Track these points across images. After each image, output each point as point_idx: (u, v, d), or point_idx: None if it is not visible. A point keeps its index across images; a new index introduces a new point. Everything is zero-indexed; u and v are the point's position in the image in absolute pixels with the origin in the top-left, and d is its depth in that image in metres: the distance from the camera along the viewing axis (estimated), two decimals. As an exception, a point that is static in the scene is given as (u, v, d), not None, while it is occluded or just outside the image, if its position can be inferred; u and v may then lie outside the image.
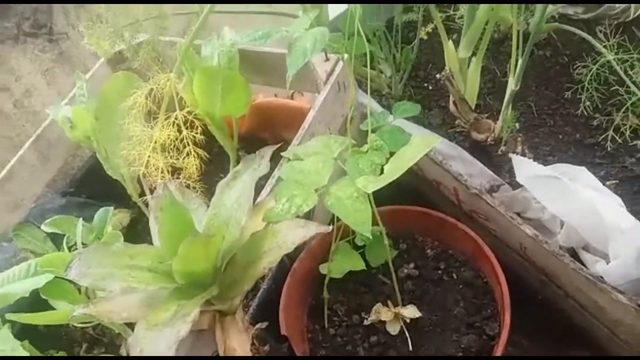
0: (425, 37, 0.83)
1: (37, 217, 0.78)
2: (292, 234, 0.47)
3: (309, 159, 0.55)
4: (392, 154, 0.55)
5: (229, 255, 0.50)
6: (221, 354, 0.51)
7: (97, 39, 0.64)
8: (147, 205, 0.75)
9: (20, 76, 0.89)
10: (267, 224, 0.50)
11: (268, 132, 0.88)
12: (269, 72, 0.75)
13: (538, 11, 0.67)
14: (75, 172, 0.85)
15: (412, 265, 0.66)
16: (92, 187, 0.83)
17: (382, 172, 0.52)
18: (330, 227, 0.49)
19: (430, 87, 0.87)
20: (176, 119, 0.61)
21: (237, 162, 0.68)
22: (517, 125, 0.77)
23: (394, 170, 0.50)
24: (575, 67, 0.78)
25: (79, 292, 0.65)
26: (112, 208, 0.72)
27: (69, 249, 0.70)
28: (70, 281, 0.61)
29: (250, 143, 0.86)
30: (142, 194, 0.78)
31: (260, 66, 0.75)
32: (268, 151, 0.54)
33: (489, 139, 0.74)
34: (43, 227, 0.70)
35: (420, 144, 0.50)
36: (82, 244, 0.65)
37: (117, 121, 0.72)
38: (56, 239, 0.76)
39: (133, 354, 0.42)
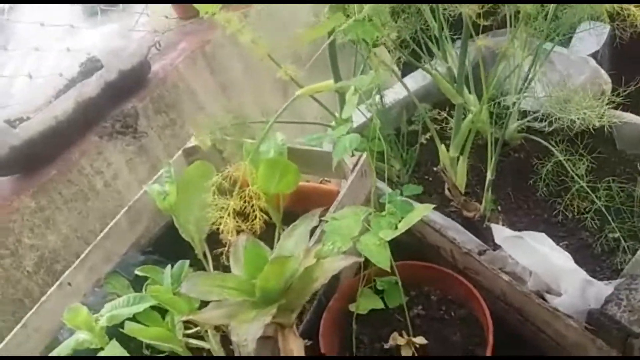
0: (425, 142, 1.10)
1: (123, 269, 1.00)
2: (335, 263, 0.70)
3: (343, 219, 0.79)
4: (402, 219, 0.78)
5: (290, 281, 0.72)
6: (282, 354, 0.71)
7: (202, 135, 0.89)
8: (206, 260, 0.98)
9: (111, 163, 1.15)
10: (317, 260, 0.72)
11: (302, 209, 1.12)
12: (305, 163, 1.00)
13: (510, 124, 0.93)
14: (152, 236, 1.07)
15: (420, 307, 0.87)
16: (165, 247, 1.05)
17: (396, 228, 0.75)
18: (362, 258, 0.71)
19: (430, 179, 1.12)
20: (246, 194, 0.85)
21: (281, 229, 0.93)
22: (498, 207, 1.01)
23: (404, 226, 0.73)
24: (540, 165, 1.03)
25: (163, 319, 0.85)
26: (187, 262, 0.95)
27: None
28: (160, 310, 0.83)
29: (287, 216, 1.09)
30: (204, 254, 1.00)
31: (298, 159, 1.01)
32: (317, 212, 0.78)
33: (476, 216, 0.97)
34: (137, 271, 0.92)
35: (421, 209, 0.74)
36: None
37: (194, 196, 0.97)
38: (135, 287, 0.97)
39: (234, 336, 0.63)
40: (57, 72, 1.18)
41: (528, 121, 1.08)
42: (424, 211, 0.75)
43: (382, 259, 0.71)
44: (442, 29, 0.95)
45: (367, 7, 0.70)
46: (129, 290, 0.97)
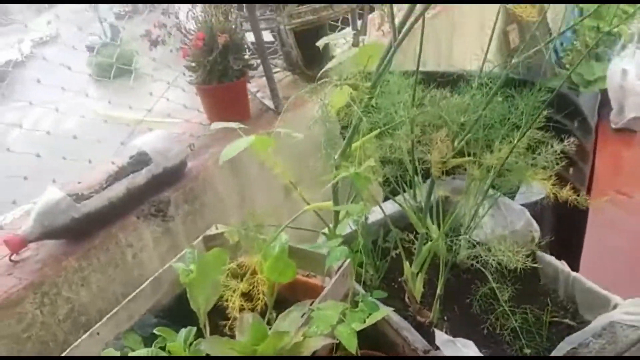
0: (394, 256, 1.38)
1: (139, 328, 1.23)
2: (317, 342, 0.95)
3: (326, 310, 1.05)
4: (369, 315, 1.05)
5: (283, 351, 0.96)
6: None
7: (232, 232, 1.17)
8: (205, 329, 1.21)
9: (141, 239, 1.41)
10: (305, 337, 0.97)
11: (291, 296, 1.37)
12: (301, 260, 1.28)
13: (461, 251, 1.23)
14: (165, 303, 1.30)
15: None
16: (174, 314, 1.28)
17: (364, 322, 1.02)
18: (334, 341, 0.97)
19: (395, 285, 1.40)
20: (255, 280, 1.11)
21: (272, 311, 1.18)
22: (445, 317, 1.28)
23: (370, 321, 1.00)
24: (478, 287, 1.31)
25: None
26: (195, 329, 1.18)
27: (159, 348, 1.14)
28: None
29: (278, 300, 1.34)
30: (204, 324, 1.24)
31: (295, 255, 1.28)
32: (307, 302, 1.04)
33: (426, 322, 1.24)
34: (155, 330, 1.15)
35: (383, 311, 1.01)
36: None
37: (209, 276, 1.23)
38: (147, 343, 1.20)
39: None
40: (110, 160, 1.47)
41: (475, 251, 1.38)
42: (384, 313, 1.02)
43: (351, 344, 0.97)
44: (416, 174, 1.27)
45: (366, 163, 1.01)
46: (141, 346, 1.20)
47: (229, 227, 1.36)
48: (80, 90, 1.57)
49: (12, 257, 1.25)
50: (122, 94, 1.78)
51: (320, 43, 1.18)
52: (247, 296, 1.14)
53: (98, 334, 1.14)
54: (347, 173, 1.04)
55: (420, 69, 1.17)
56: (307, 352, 0.95)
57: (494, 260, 1.20)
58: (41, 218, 1.23)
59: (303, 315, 1.03)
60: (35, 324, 1.19)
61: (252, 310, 1.12)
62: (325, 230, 1.28)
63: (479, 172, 1.15)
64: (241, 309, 1.14)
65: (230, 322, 1.12)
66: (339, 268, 1.22)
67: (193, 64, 1.73)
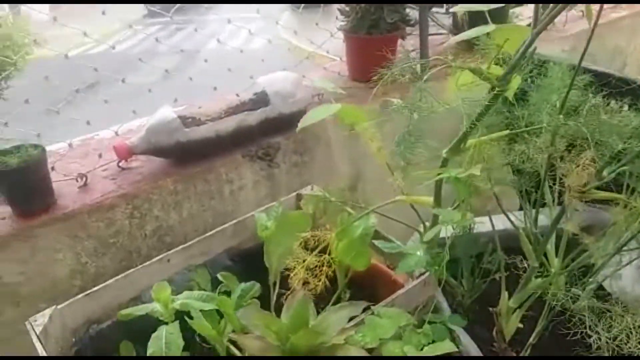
0: (497, 279, 1.18)
1: (211, 266, 1.22)
2: (355, 355, 0.83)
3: (384, 318, 0.92)
4: (434, 340, 0.90)
5: (317, 348, 0.87)
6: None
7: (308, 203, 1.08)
8: (274, 288, 1.16)
9: (242, 178, 1.38)
10: (345, 342, 0.86)
11: (367, 282, 1.26)
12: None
13: (581, 300, 1.00)
14: (244, 249, 1.27)
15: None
16: (249, 263, 1.25)
17: (421, 349, 0.87)
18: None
19: (489, 310, 1.20)
20: (324, 259, 1.02)
21: (341, 292, 1.08)
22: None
23: (429, 352, 0.85)
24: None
25: (219, 322, 1.05)
26: (257, 285, 1.14)
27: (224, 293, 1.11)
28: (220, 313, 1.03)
29: (353, 281, 1.23)
30: (274, 283, 1.19)
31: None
32: (363, 304, 0.92)
33: (507, 365, 1.05)
34: (219, 275, 1.13)
35: (445, 346, 0.85)
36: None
37: (286, 236, 1.15)
38: (214, 283, 1.18)
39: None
40: (235, 92, 1.45)
41: (602, 303, 1.12)
42: (451, 349, 0.86)
43: (396, 367, 0.84)
44: (550, 194, 1.04)
45: (472, 169, 0.83)
46: (208, 285, 1.19)
47: (321, 192, 1.26)
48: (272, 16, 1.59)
49: (121, 164, 1.30)
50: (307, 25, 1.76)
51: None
52: (314, 273, 1.05)
53: (169, 260, 1.15)
54: (446, 175, 0.86)
55: (594, 67, 0.92)
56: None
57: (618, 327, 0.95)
58: (149, 134, 1.25)
59: (353, 318, 0.91)
60: (122, 233, 1.24)
61: (311, 290, 1.03)
62: (421, 228, 1.12)
63: (626, 218, 0.89)
64: (304, 284, 1.07)
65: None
66: (421, 274, 1.07)
67: (347, 8, 1.61)
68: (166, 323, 0.98)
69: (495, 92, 0.79)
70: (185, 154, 1.30)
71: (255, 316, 0.87)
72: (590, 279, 1.06)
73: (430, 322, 0.94)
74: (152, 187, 1.25)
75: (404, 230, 1.19)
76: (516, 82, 0.85)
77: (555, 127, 0.88)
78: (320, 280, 1.02)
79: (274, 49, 1.70)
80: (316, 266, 1.03)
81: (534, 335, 1.00)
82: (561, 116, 0.88)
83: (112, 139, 1.39)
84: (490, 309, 1.22)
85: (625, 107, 1.11)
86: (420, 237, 1.13)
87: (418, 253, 0.92)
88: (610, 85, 1.09)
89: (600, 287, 1.10)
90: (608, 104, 0.96)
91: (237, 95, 1.45)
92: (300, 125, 0.84)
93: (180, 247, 1.16)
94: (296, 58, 1.72)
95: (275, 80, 1.41)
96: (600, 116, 0.88)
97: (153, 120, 1.26)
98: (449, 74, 1.65)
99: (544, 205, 1.07)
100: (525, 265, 1.14)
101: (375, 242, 1.10)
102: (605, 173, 0.88)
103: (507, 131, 0.91)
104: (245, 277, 1.19)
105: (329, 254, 1.04)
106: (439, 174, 0.90)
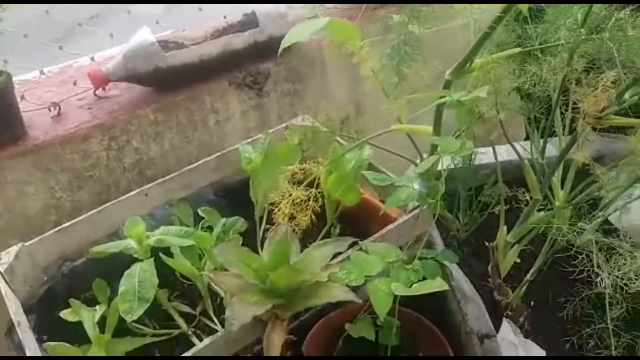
0: (496, 212, 1.11)
1: (194, 200, 1.15)
2: (339, 293, 0.78)
3: (371, 254, 0.85)
4: (424, 277, 0.83)
5: (298, 287, 0.81)
6: (264, 339, 0.81)
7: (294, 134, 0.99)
8: (260, 223, 1.09)
9: (228, 108, 1.29)
10: (328, 279, 0.80)
11: (359, 215, 1.18)
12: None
13: (586, 233, 0.92)
14: (229, 183, 1.20)
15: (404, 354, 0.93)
16: (235, 197, 1.18)
17: (410, 286, 0.81)
18: (359, 301, 0.79)
19: (485, 244, 1.14)
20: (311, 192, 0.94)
21: (330, 227, 1.02)
22: (531, 302, 1.01)
23: (416, 290, 0.79)
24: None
25: (200, 259, 0.99)
26: (241, 220, 1.07)
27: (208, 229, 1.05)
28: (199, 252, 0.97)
29: (343, 214, 1.16)
30: (261, 218, 1.12)
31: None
32: (349, 240, 0.85)
33: (503, 302, 0.99)
34: (199, 211, 1.06)
35: (436, 284, 0.79)
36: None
37: (273, 169, 1.08)
38: (197, 218, 1.12)
39: (228, 313, 0.74)
40: (223, 13, 1.33)
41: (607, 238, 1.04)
42: (441, 287, 0.79)
43: (382, 308, 0.78)
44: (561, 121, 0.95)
45: (477, 91, 0.73)
46: (189, 220, 1.12)
47: (316, 123, 1.18)
48: None
49: (97, 92, 1.21)
50: None
51: None
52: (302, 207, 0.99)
53: (146, 194, 1.09)
54: (448, 98, 0.77)
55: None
56: (325, 299, 0.78)
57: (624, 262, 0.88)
58: (125, 60, 1.15)
59: (340, 254, 0.84)
60: (99, 166, 1.16)
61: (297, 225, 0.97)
62: (418, 160, 1.04)
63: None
64: (290, 219, 1.00)
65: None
66: (415, 208, 1.00)
67: None
68: (141, 260, 0.93)
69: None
70: (166, 81, 1.21)
71: (232, 252, 0.81)
72: (600, 213, 0.98)
73: (420, 258, 0.88)
74: (130, 116, 1.17)
75: (402, 164, 1.11)
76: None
77: (574, 44, 0.77)
78: (306, 215, 0.96)
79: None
80: (303, 200, 0.97)
81: (531, 271, 0.93)
82: (582, 30, 0.77)
83: (90, 66, 1.30)
84: (487, 243, 1.16)
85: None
86: (417, 167, 1.05)
87: (411, 186, 0.84)
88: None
89: (606, 222, 1.02)
90: (636, 19, 0.85)
91: (225, 17, 1.34)
92: (283, 45, 0.74)
93: (160, 180, 1.09)
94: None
95: (265, -1, 1.29)
96: (627, 32, 0.77)
97: (129, 44, 1.15)
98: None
99: (553, 134, 0.98)
100: (528, 198, 1.07)
101: (382, 169, 1.02)
102: (627, 96, 0.79)
103: (519, 49, 0.81)
104: (230, 212, 1.13)
105: (317, 188, 0.96)
106: (440, 97, 0.80)
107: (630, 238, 0.88)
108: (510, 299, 0.97)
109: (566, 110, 0.91)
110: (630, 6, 0.89)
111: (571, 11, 0.90)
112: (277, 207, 0.97)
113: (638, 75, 0.78)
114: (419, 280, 0.82)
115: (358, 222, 1.16)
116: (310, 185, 0.97)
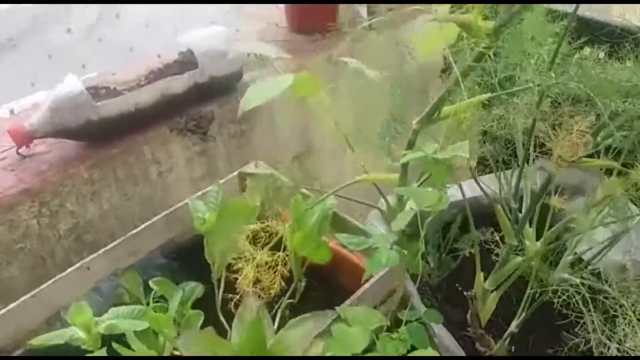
0: (468, 255, 1.07)
1: (142, 267, 1.03)
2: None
3: (353, 325, 0.78)
4: (412, 345, 0.78)
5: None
6: None
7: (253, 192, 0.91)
8: (219, 285, 0.99)
9: (171, 157, 1.18)
10: None
11: (328, 270, 1.12)
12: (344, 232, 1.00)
13: (557, 273, 0.90)
14: (180, 242, 1.09)
15: None
16: (187, 259, 1.08)
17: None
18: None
19: (459, 289, 1.10)
20: (278, 257, 0.86)
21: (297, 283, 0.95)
22: (512, 349, 0.98)
23: (408, 362, 0.73)
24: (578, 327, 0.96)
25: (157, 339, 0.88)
26: (199, 286, 0.97)
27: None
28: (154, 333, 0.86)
29: (310, 269, 1.08)
30: (219, 280, 1.02)
31: (339, 225, 1.01)
32: (330, 315, 0.78)
33: (486, 353, 0.95)
34: (150, 283, 0.95)
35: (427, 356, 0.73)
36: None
37: (229, 227, 0.98)
38: (148, 286, 1.01)
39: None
40: (156, 53, 1.22)
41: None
42: (432, 355, 0.73)
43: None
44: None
45: (449, 148, 0.68)
46: (139, 290, 1.01)
47: (268, 171, 1.09)
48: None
49: (20, 150, 1.07)
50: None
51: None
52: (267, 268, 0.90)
53: (88, 268, 0.96)
54: (420, 154, 0.71)
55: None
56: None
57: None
58: (52, 113, 1.02)
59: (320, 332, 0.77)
60: (30, 236, 1.02)
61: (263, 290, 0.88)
62: (383, 205, 0.97)
63: (621, 186, 0.78)
64: (255, 283, 0.91)
65: (238, 298, 0.89)
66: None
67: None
68: (91, 351, 0.81)
69: (482, 49, 0.63)
70: (100, 134, 1.08)
71: (197, 342, 0.71)
72: (569, 252, 0.96)
73: (405, 322, 0.82)
74: (63, 177, 1.04)
75: (358, 206, 1.05)
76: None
77: (543, 87, 0.74)
78: (274, 281, 0.87)
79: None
80: (267, 263, 0.88)
81: (515, 321, 0.90)
82: (552, 74, 0.74)
83: (10, 120, 1.15)
84: (459, 288, 1.12)
85: (602, 55, 0.99)
86: (383, 215, 0.99)
87: (388, 245, 0.77)
88: (587, 30, 0.95)
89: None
90: (597, 55, 0.83)
91: (159, 56, 1.23)
92: (243, 107, 0.65)
93: (102, 250, 0.97)
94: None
95: (203, 37, 1.19)
96: (593, 71, 0.75)
97: (55, 96, 1.02)
98: (409, 20, 1.49)
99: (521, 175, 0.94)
100: (497, 238, 1.04)
101: (347, 217, 0.96)
102: (599, 138, 0.76)
103: (488, 94, 0.76)
104: (183, 275, 1.03)
105: (284, 250, 0.88)
106: (410, 152, 0.74)
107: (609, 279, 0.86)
108: (494, 350, 0.94)
109: (535, 152, 0.88)
110: (592, 45, 0.88)
111: (527, 48, 0.88)
112: (238, 271, 0.88)
113: (609, 116, 0.76)
114: (408, 351, 0.76)
115: (325, 274, 1.09)
116: (274, 245, 0.89)
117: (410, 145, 0.79)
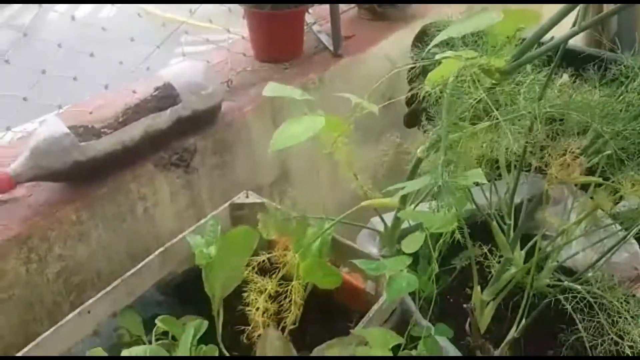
0: (463, 266, 1.12)
1: (140, 306, 1.02)
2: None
3: (375, 347, 0.81)
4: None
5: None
6: None
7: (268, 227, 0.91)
8: (218, 317, 0.99)
9: (156, 192, 1.16)
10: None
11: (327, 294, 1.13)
12: (343, 256, 1.03)
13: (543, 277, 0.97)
14: (176, 279, 1.08)
15: None
16: (185, 293, 1.07)
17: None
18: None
19: (452, 300, 1.15)
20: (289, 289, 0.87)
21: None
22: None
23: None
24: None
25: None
26: (204, 322, 0.97)
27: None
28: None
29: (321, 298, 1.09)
30: (218, 312, 1.02)
31: (338, 250, 1.03)
32: (353, 342, 0.80)
33: (487, 361, 1.00)
34: (157, 321, 0.93)
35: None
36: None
37: (231, 258, 0.99)
38: (147, 324, 0.99)
39: None
40: (132, 88, 1.21)
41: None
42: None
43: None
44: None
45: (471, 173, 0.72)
46: (140, 328, 0.99)
47: (263, 200, 1.11)
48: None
49: (2, 197, 1.02)
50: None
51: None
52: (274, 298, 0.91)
53: (89, 312, 0.93)
54: (432, 181, 0.75)
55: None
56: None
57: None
58: (36, 157, 0.99)
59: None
60: (18, 284, 0.98)
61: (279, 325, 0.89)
62: (380, 227, 1.01)
63: (607, 200, 0.86)
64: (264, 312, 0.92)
65: (251, 329, 0.89)
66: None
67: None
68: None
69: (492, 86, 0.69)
70: (86, 174, 1.06)
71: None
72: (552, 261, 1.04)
73: (414, 337, 0.86)
74: (50, 221, 1.00)
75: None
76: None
77: (536, 114, 0.80)
78: (294, 313, 0.88)
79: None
80: (279, 293, 0.89)
81: (515, 328, 0.95)
82: (542, 101, 0.81)
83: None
84: (451, 300, 1.17)
85: (565, 77, 1.08)
86: (381, 237, 1.04)
87: (403, 270, 0.81)
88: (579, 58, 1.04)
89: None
90: (575, 81, 0.91)
91: (134, 92, 1.22)
92: (272, 147, 0.67)
93: (101, 293, 0.94)
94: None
95: (182, 72, 1.19)
96: (579, 97, 0.82)
97: (39, 138, 0.99)
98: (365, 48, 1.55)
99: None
100: (486, 251, 1.10)
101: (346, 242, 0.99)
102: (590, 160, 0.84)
103: (488, 122, 0.82)
104: (182, 309, 1.03)
105: (295, 279, 0.90)
106: (417, 180, 0.78)
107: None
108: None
109: (527, 171, 0.95)
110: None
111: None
112: (250, 303, 0.89)
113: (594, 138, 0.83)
114: (427, 366, 0.79)
115: (319, 293, 1.10)
116: (278, 273, 0.90)
117: (413, 172, 0.83)
